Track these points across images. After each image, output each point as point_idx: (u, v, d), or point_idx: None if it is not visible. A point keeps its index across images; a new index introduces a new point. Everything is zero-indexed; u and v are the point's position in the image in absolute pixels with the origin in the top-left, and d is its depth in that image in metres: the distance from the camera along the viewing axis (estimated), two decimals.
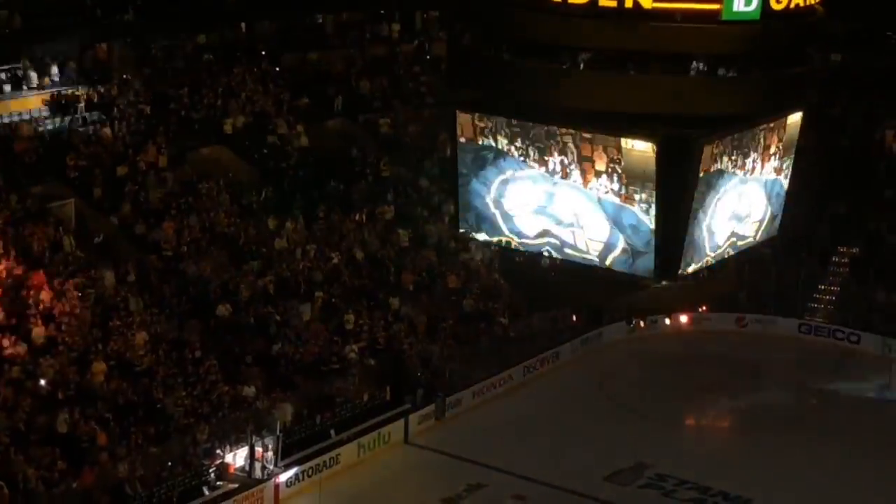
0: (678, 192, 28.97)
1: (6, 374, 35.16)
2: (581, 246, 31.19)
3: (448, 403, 40.62)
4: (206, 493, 34.45)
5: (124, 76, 47.28)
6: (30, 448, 33.18)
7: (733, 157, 30.44)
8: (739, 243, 33.24)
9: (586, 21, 28.03)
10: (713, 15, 28.41)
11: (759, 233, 33.98)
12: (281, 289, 42.12)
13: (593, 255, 31.67)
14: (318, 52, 53.29)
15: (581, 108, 30.06)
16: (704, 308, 47.16)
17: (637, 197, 29.69)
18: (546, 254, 32.63)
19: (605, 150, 29.60)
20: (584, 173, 30.23)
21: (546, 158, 30.51)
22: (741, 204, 32.03)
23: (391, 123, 51.39)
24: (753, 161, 31.63)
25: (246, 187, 46.03)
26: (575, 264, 32.93)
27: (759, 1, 28.37)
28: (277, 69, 51.67)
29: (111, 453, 33.99)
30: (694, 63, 29.81)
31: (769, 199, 32.89)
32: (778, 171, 32.22)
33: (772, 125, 31.63)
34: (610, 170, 29.63)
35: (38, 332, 36.70)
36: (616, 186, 29.52)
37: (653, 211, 29.48)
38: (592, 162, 29.95)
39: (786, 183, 32.87)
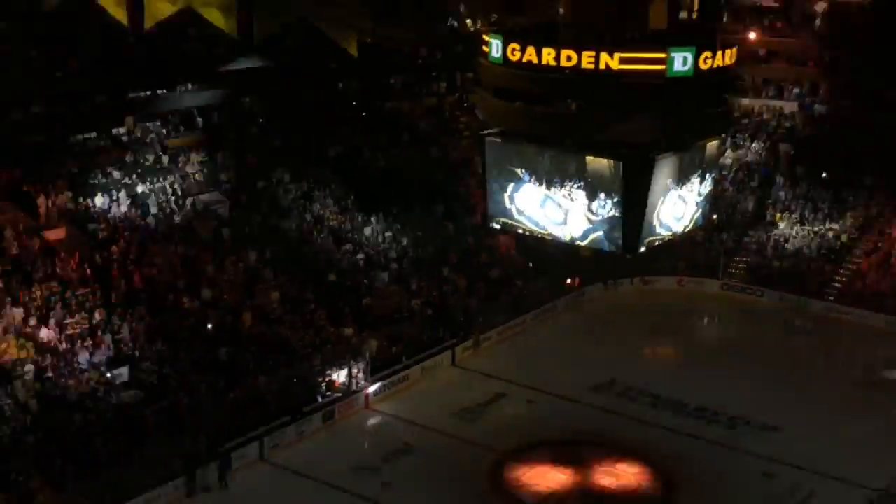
0: (638, 192, 29.07)
1: (184, 321, 35.83)
2: (567, 233, 31.36)
3: (482, 339, 40.85)
4: (320, 400, 34.95)
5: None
6: (195, 372, 33.77)
7: (674, 171, 30.54)
8: (680, 228, 33.26)
9: (574, 78, 28.14)
10: (661, 73, 28.45)
11: (693, 221, 34.00)
12: (368, 262, 42.49)
13: (578, 238, 31.85)
14: (391, 102, 53.57)
15: (569, 137, 30.28)
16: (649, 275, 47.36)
17: (601, 194, 29.88)
18: (548, 236, 32.81)
19: (575, 162, 29.85)
20: (564, 178, 30.48)
21: (540, 173, 30.80)
22: (680, 201, 32.09)
23: (440, 150, 51.61)
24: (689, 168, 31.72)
25: (344, 193, 46.35)
26: (566, 244, 33.14)
27: (692, 63, 28.36)
28: (364, 114, 51.96)
29: (256, 374, 34.52)
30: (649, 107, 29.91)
31: (699, 198, 32.92)
32: (703, 179, 32.24)
33: (702, 148, 31.71)
34: (581, 175, 29.92)
35: (206, 293, 37.28)
36: (583, 183, 29.76)
37: (611, 203, 29.66)
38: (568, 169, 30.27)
39: (710, 187, 32.87)
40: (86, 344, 33.17)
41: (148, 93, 43.72)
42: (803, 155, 52.24)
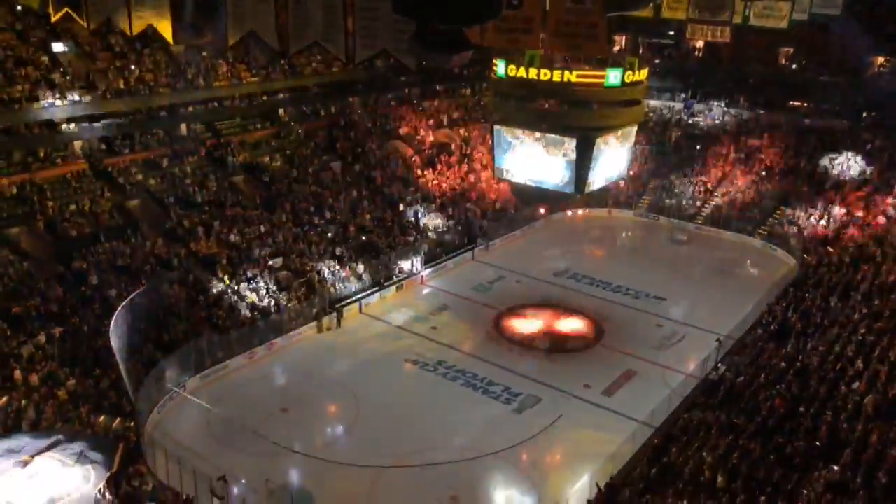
0: (585, 156, 28.96)
1: (315, 230, 35.89)
2: (542, 180, 31.23)
3: (490, 244, 40.72)
4: (394, 278, 35.16)
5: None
6: (321, 260, 33.80)
7: (610, 139, 30.27)
8: (611, 178, 33.04)
9: (548, 84, 27.88)
10: (601, 84, 28.19)
11: (619, 175, 33.76)
12: (423, 199, 42.20)
13: (549, 184, 31.71)
14: (436, 100, 52.60)
15: (543, 122, 30.03)
16: (590, 207, 46.73)
17: (558, 153, 29.64)
18: (531, 182, 32.65)
19: (547, 137, 29.63)
20: (542, 146, 30.25)
21: (529, 140, 30.53)
22: (611, 163, 31.85)
23: (468, 130, 50.89)
24: (617, 142, 31.36)
25: (408, 156, 45.96)
26: (542, 187, 33.04)
27: (620, 78, 28.06)
28: (420, 108, 51.12)
29: (356, 261, 34.70)
30: (593, 104, 29.57)
31: (622, 161, 32.63)
32: (625, 149, 31.96)
33: (624, 130, 31.40)
34: (552, 144, 29.70)
35: (328, 214, 37.34)
36: (546, 145, 29.56)
37: (566, 161, 29.44)
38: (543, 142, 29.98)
39: (629, 155, 32.59)
40: (257, 243, 33.73)
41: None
42: (687, 136, 51.40)
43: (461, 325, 32.01)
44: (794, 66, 50.75)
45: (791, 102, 49.60)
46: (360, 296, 32.98)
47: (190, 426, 24.35)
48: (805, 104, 48.99)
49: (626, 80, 28.67)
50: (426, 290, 35.60)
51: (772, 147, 47.57)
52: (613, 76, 28.19)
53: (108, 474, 18.18)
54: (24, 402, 21.76)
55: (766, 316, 30.30)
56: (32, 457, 17.83)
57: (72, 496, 17.30)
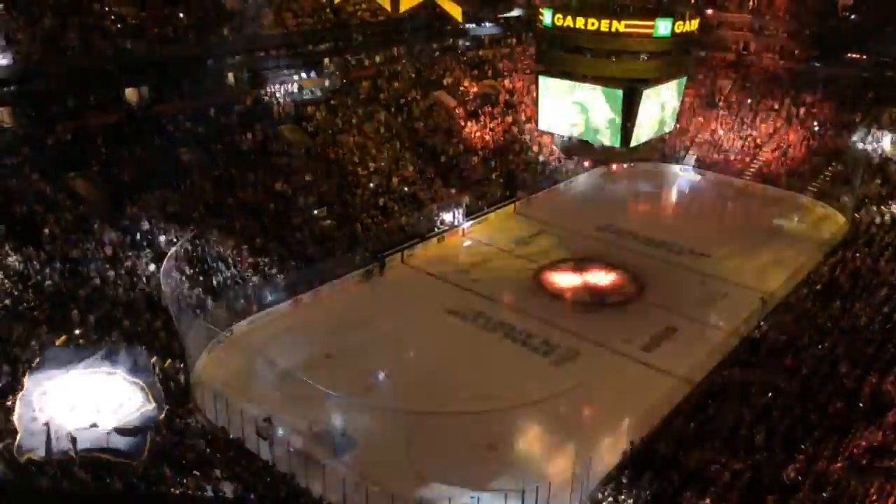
0: (631, 109, 28.36)
1: (359, 181, 35.71)
2: (591, 131, 30.75)
3: (531, 197, 40.28)
4: (436, 229, 35.12)
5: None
6: (364, 210, 33.70)
7: (658, 91, 29.59)
8: (656, 132, 32.35)
9: (595, 34, 27.20)
10: (650, 34, 27.38)
11: (666, 128, 33.02)
12: (465, 150, 41.77)
13: (593, 136, 31.20)
14: (481, 50, 51.49)
15: (590, 73, 29.44)
16: (636, 160, 45.78)
17: (603, 106, 29.19)
18: (575, 135, 32.20)
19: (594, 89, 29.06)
20: (587, 99, 29.72)
21: (575, 92, 30.02)
22: (657, 116, 31.13)
23: (513, 81, 49.79)
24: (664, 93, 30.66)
25: (453, 107, 45.41)
26: (584, 141, 32.59)
27: (670, 28, 27.19)
28: (465, 58, 50.18)
29: (400, 214, 34.65)
30: (641, 55, 28.81)
31: (670, 114, 31.86)
32: (674, 102, 31.20)
33: (673, 81, 30.60)
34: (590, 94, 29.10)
35: (371, 165, 37.18)
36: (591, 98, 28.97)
37: (611, 113, 28.93)
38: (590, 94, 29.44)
39: (677, 107, 31.82)
40: (302, 192, 33.81)
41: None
42: (741, 88, 49.64)
43: (501, 277, 31.96)
44: (852, 17, 48.30)
45: (849, 55, 47.39)
46: (402, 246, 33.09)
47: (237, 369, 24.96)
48: (864, 57, 46.74)
49: (677, 31, 27.77)
50: (467, 243, 35.54)
51: (827, 102, 45.75)
52: (663, 26, 27.32)
53: (165, 409, 18.73)
54: (81, 342, 22.50)
55: (813, 275, 29.59)
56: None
57: (137, 414, 17.67)
